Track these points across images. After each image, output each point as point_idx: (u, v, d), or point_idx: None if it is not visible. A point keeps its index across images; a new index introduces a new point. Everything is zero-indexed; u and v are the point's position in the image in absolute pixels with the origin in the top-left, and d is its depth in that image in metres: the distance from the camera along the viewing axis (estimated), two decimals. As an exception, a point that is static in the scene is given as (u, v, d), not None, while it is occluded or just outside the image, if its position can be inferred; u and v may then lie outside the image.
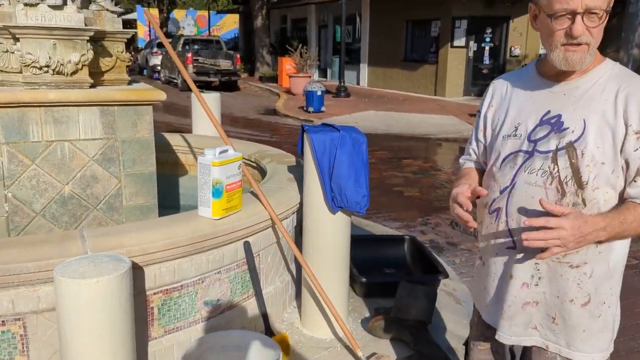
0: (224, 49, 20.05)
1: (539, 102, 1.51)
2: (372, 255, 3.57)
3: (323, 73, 22.45)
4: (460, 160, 1.83)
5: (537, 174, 1.47)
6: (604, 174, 1.41)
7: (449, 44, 15.67)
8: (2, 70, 2.75)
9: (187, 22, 36.84)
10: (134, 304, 1.94)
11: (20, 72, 2.72)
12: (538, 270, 1.52)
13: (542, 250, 1.40)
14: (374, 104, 14.26)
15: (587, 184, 1.42)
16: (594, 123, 1.41)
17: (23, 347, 2.04)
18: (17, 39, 2.68)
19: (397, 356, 2.66)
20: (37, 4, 2.66)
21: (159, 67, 20.97)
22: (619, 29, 14.96)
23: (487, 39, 15.94)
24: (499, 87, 1.67)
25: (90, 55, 2.79)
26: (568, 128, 1.43)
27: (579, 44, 1.37)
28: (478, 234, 1.71)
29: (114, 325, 1.80)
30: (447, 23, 15.59)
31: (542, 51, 12.41)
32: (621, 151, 1.40)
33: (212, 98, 4.55)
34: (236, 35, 33.28)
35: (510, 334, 1.61)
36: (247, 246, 2.54)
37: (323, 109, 12.69)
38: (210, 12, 33.68)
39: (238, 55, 19.65)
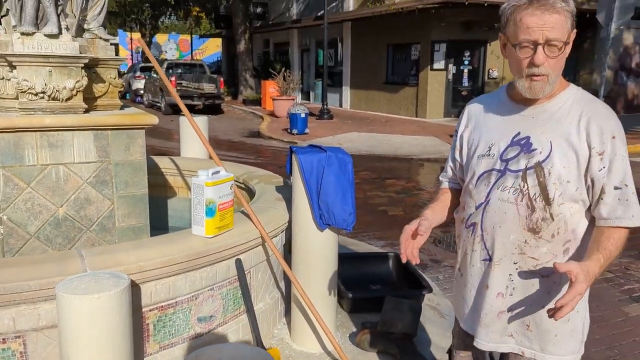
0: (207, 73, 20.24)
1: (510, 124, 1.65)
2: (359, 272, 3.68)
3: (306, 96, 22.70)
4: (440, 178, 1.97)
5: (509, 192, 1.61)
6: (569, 191, 1.55)
7: (429, 66, 16.02)
8: (-2, 97, 2.84)
9: (170, 46, 37.09)
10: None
11: (16, 98, 2.81)
12: (512, 281, 1.64)
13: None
14: (357, 126, 14.46)
15: (553, 200, 1.56)
16: (559, 145, 1.55)
17: (22, 364, 2.09)
18: (13, 67, 2.77)
19: (385, 368, 2.75)
20: (33, 33, 2.77)
21: (142, 91, 21.05)
22: (592, 53, 15.54)
23: (466, 62, 16.34)
24: (473, 109, 1.80)
25: (84, 81, 2.89)
26: (536, 149, 1.57)
27: (539, 75, 1.52)
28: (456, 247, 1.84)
29: (114, 340, 1.88)
30: (427, 46, 15.94)
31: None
32: (587, 170, 1.54)
33: (200, 121, 4.64)
34: (219, 58, 33.50)
35: (487, 341, 1.73)
36: (238, 263, 2.63)
37: (307, 130, 12.85)
38: (193, 36, 33.95)
39: (221, 79, 19.81)
